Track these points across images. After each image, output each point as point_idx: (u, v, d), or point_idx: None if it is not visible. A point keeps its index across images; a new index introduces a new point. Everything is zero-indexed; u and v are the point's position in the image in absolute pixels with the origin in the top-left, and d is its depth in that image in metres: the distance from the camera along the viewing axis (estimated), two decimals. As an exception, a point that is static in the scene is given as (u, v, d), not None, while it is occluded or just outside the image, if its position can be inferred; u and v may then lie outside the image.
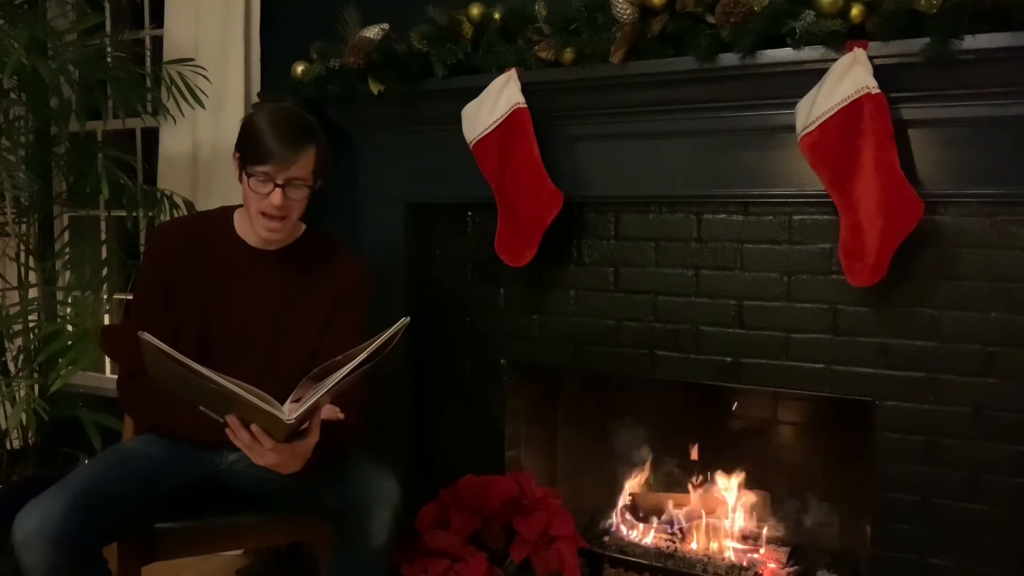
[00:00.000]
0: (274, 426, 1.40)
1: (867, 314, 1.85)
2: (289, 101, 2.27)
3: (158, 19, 2.80)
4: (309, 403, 1.39)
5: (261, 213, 1.68)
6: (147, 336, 1.31)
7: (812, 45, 1.70)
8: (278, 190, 1.64)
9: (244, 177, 1.68)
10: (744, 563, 2.16)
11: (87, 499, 1.51)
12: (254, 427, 1.41)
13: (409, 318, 1.49)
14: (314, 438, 1.49)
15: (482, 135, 2.06)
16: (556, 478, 2.55)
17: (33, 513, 1.47)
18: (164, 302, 1.74)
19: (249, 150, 1.65)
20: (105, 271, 2.66)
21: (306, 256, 1.82)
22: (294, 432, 1.45)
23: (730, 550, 2.22)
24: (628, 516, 2.40)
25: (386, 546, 1.63)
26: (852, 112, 1.66)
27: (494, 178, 2.10)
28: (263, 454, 1.45)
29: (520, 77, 2.01)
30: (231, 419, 1.42)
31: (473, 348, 2.36)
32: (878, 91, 1.65)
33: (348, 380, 1.41)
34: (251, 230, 1.78)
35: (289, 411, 1.38)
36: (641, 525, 2.36)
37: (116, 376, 2.04)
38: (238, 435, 1.43)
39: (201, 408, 1.42)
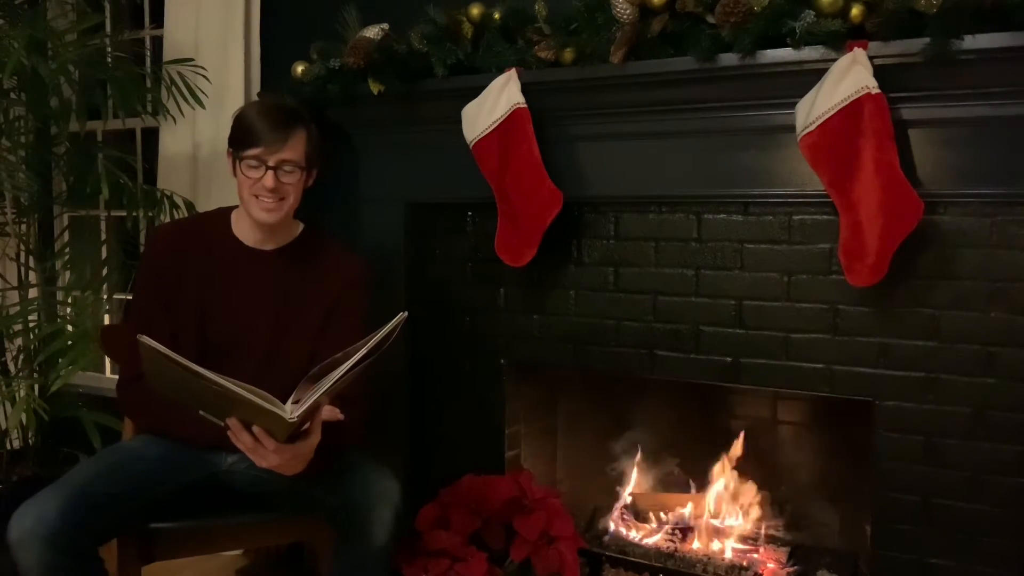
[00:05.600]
0: (276, 426, 1.40)
1: (867, 314, 1.85)
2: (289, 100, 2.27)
3: (158, 19, 2.80)
4: (311, 400, 1.38)
5: (255, 196, 1.69)
6: (146, 339, 1.30)
7: (812, 45, 1.70)
8: (270, 172, 1.67)
9: (237, 165, 1.70)
10: (744, 563, 2.16)
11: (83, 499, 1.51)
12: (256, 428, 1.41)
13: (407, 312, 1.49)
14: (316, 438, 1.49)
15: (482, 135, 2.06)
16: (556, 478, 2.56)
17: (28, 513, 1.47)
18: (163, 304, 1.74)
19: (240, 137, 1.70)
20: (105, 271, 2.67)
21: (304, 255, 1.82)
22: (296, 432, 1.45)
23: (730, 550, 2.22)
24: (628, 516, 2.40)
25: (387, 546, 1.63)
26: (852, 112, 1.66)
27: (494, 178, 2.10)
28: (266, 456, 1.44)
29: (520, 77, 2.01)
30: (232, 422, 1.41)
31: (473, 348, 2.36)
32: (878, 91, 1.64)
33: (348, 377, 1.41)
34: (249, 230, 1.79)
35: (291, 411, 1.38)
36: (641, 525, 2.36)
37: (116, 376, 2.04)
38: (240, 438, 1.42)
39: (201, 413, 1.42)
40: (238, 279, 1.77)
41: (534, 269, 2.14)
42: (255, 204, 1.70)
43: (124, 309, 2.82)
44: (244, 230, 1.80)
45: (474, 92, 2.07)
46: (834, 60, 1.68)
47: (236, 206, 1.83)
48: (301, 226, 1.86)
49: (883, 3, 1.65)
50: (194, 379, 1.32)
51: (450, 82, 2.12)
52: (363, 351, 1.40)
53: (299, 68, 2.29)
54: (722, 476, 2.35)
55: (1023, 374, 1.72)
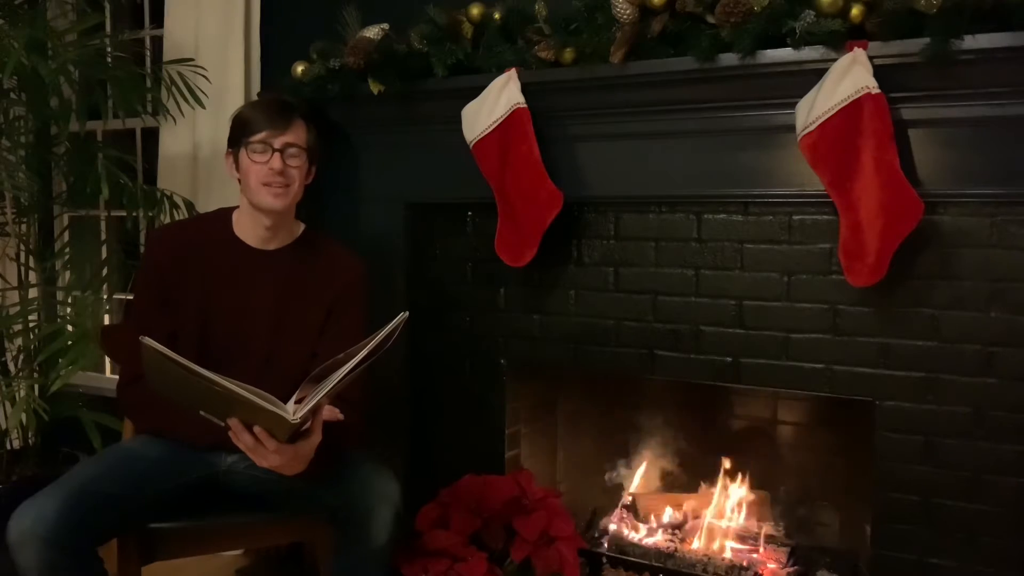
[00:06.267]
0: (278, 426, 1.40)
1: (867, 314, 1.85)
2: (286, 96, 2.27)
3: (158, 19, 2.80)
4: (314, 401, 1.38)
5: (263, 184, 1.70)
6: (148, 340, 1.30)
7: (812, 45, 1.70)
8: (276, 155, 1.69)
9: (243, 153, 1.71)
10: (744, 563, 2.16)
11: (81, 499, 1.51)
12: (257, 429, 1.41)
13: (408, 312, 1.49)
14: (316, 438, 1.49)
15: (482, 135, 2.06)
16: (556, 478, 2.56)
17: (27, 513, 1.47)
18: (163, 306, 1.74)
19: (242, 130, 1.72)
20: (105, 271, 2.67)
21: (305, 256, 1.82)
22: (297, 433, 1.45)
23: (730, 550, 2.22)
24: (628, 516, 2.40)
25: (387, 546, 1.63)
26: (852, 112, 1.66)
27: (494, 178, 2.10)
28: (266, 456, 1.44)
29: (520, 77, 2.01)
30: (233, 422, 1.41)
31: (473, 348, 2.36)
32: (878, 91, 1.64)
33: (350, 378, 1.41)
34: (250, 230, 1.79)
35: (293, 411, 1.38)
36: (641, 525, 2.36)
37: (116, 376, 2.04)
38: (240, 438, 1.42)
39: (202, 413, 1.42)
40: (239, 279, 1.77)
41: (534, 269, 2.14)
42: (263, 192, 1.71)
43: (124, 310, 2.82)
44: (245, 230, 1.80)
45: (474, 92, 2.07)
46: (834, 60, 1.68)
47: (236, 207, 1.83)
48: (302, 226, 1.86)
49: (883, 3, 1.65)
50: (195, 380, 1.31)
51: (450, 82, 2.11)
52: (364, 351, 1.40)
53: (299, 68, 2.29)
54: (722, 476, 2.35)
55: (1023, 374, 1.72)
